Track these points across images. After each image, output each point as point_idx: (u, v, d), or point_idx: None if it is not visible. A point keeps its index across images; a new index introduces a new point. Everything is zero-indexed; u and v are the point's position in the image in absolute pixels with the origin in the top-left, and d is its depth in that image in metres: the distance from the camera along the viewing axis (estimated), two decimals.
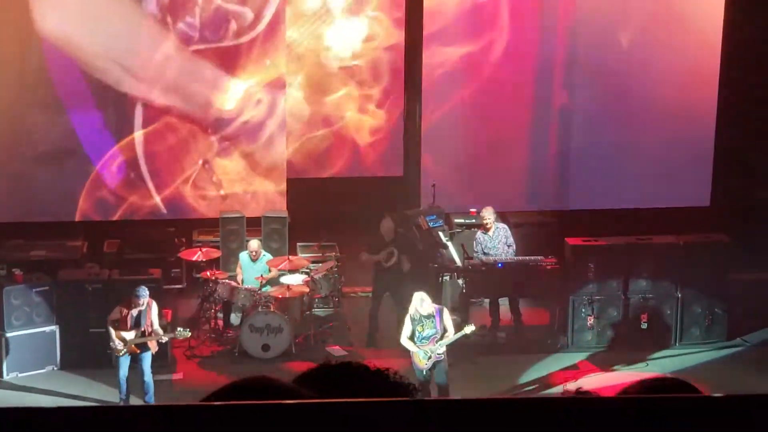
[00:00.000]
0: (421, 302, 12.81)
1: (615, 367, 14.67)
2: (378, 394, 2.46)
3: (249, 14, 17.45)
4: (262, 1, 17.45)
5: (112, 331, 13.21)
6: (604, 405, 2.19)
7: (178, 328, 13.71)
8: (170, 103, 17.48)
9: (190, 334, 13.77)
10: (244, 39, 17.51)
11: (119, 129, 17.50)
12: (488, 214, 15.35)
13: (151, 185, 17.64)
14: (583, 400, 2.18)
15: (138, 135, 17.52)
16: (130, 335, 13.19)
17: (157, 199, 17.63)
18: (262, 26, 17.50)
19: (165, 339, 13.44)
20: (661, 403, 2.20)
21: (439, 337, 12.86)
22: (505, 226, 15.59)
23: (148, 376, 13.30)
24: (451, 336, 12.92)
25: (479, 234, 15.46)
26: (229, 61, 17.54)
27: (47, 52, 17.05)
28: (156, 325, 13.28)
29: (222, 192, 17.90)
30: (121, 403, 13.43)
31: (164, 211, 17.71)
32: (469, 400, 2.17)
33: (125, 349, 13.19)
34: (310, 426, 2.12)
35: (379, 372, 2.56)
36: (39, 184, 17.36)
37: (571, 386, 13.88)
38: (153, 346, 13.34)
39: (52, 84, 17.18)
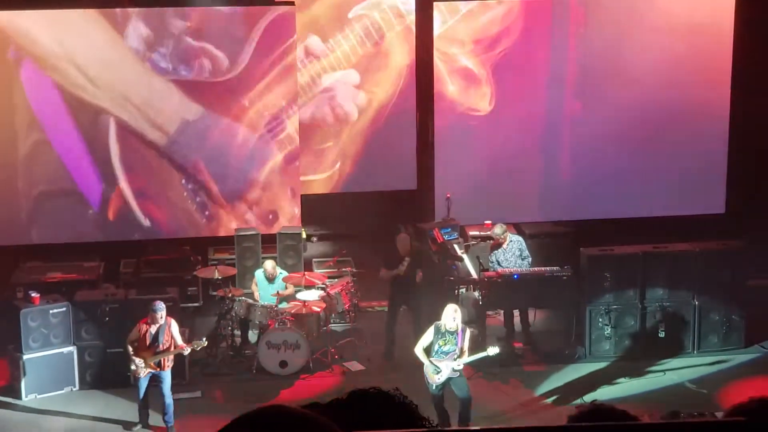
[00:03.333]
0: (453, 316, 12.70)
1: (624, 378, 14.60)
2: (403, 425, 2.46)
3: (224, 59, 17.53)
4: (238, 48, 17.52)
5: (131, 351, 13.21)
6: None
7: (193, 341, 13.70)
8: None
9: (206, 342, 13.74)
10: (223, 78, 17.60)
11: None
12: (498, 231, 15.33)
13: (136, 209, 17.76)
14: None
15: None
16: (147, 356, 13.19)
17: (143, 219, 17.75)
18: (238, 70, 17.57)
19: (187, 352, 13.42)
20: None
21: (457, 355, 12.77)
22: (520, 239, 15.56)
23: (169, 398, 13.30)
24: (467, 357, 12.80)
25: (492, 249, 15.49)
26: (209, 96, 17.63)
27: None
28: (178, 340, 13.27)
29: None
30: (140, 426, 13.48)
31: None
32: (481, 430, 2.17)
33: (146, 369, 13.19)
34: None
35: (404, 404, 2.55)
36: (52, 208, 17.48)
37: (589, 399, 13.86)
38: (170, 362, 13.29)
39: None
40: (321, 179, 18.67)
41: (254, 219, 17.93)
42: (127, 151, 17.57)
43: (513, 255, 15.33)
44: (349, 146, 18.62)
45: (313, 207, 18.26)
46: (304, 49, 18.14)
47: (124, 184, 17.61)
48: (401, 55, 18.38)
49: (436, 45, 17.91)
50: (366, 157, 18.67)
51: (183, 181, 17.81)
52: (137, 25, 17.34)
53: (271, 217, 18.04)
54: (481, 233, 16.80)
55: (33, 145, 17.39)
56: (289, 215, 18.01)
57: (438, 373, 12.73)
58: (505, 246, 15.34)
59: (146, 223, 17.79)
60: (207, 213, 17.94)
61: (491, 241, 15.60)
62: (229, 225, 17.90)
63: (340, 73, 18.37)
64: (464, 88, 18.12)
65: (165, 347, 13.18)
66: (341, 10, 18.26)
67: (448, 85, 18.06)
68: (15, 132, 17.35)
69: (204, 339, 13.71)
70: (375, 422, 2.43)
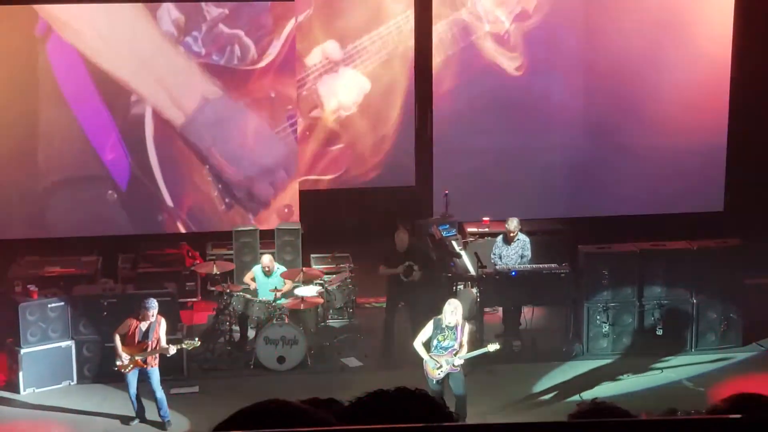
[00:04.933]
0: (452, 311, 12.72)
1: (622, 376, 14.61)
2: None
3: (252, 46, 17.61)
4: (268, 38, 17.57)
5: (119, 345, 13.20)
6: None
7: (186, 340, 13.67)
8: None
9: (198, 343, 13.71)
10: (249, 67, 17.66)
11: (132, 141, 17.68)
12: (512, 225, 15.31)
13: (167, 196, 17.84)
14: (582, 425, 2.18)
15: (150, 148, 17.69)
16: (133, 351, 13.17)
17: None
18: (268, 59, 17.65)
19: (172, 352, 13.36)
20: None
21: (456, 350, 12.79)
22: (526, 239, 15.52)
23: (159, 392, 13.28)
24: (466, 351, 12.83)
25: (500, 240, 15.46)
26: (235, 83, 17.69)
27: (54, 62, 17.23)
28: (163, 341, 13.23)
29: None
30: (137, 421, 13.48)
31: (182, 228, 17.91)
32: (479, 425, 2.17)
33: (130, 364, 13.19)
34: None
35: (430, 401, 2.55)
36: (54, 202, 17.50)
37: (587, 396, 13.86)
38: (156, 360, 13.28)
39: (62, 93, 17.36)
40: (326, 180, 18.69)
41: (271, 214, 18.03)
42: (158, 133, 17.61)
43: (515, 253, 15.34)
44: (354, 146, 18.63)
45: (311, 203, 18.26)
46: (321, 52, 18.24)
47: (154, 162, 17.63)
48: (401, 50, 18.37)
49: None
50: (364, 152, 18.66)
51: (207, 168, 17.86)
52: (169, 7, 17.39)
53: (287, 210, 18.13)
54: (479, 230, 16.81)
55: (56, 122, 17.38)
56: (285, 212, 18.07)
57: (438, 368, 12.76)
58: (512, 244, 15.36)
59: (170, 203, 17.81)
60: (227, 201, 18.00)
61: (506, 235, 15.50)
62: (246, 216, 17.98)
63: (351, 73, 18.40)
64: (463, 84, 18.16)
65: (152, 346, 13.15)
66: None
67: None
68: (36, 111, 17.34)
69: (196, 339, 13.68)
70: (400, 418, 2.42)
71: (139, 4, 17.42)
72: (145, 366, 13.17)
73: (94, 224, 17.77)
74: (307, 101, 18.32)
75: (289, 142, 18.05)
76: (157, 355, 13.25)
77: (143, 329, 13.19)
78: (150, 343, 13.15)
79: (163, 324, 13.27)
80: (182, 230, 17.94)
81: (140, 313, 13.20)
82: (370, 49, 18.31)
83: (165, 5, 17.45)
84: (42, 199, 17.61)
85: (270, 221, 17.90)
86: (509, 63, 18.25)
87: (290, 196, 18.20)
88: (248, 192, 18.13)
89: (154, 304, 13.20)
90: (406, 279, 14.98)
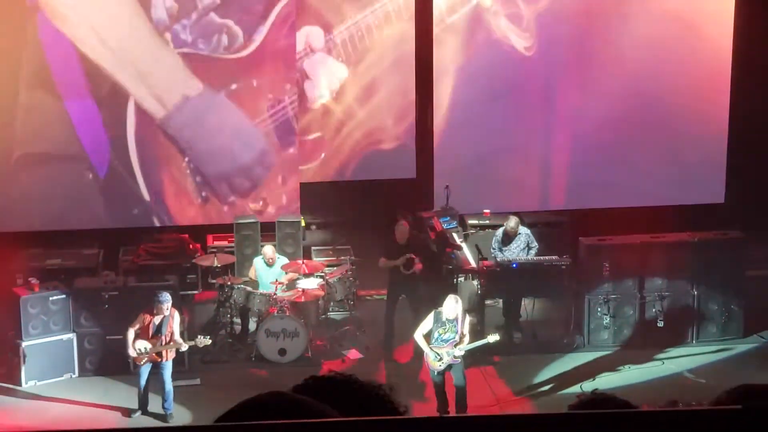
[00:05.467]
0: (453, 307, 12.76)
1: (622, 368, 14.62)
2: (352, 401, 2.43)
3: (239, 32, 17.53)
4: (254, 23, 17.50)
5: (131, 339, 13.22)
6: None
7: (199, 336, 13.71)
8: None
9: (210, 341, 13.76)
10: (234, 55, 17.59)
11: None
12: (512, 224, 15.28)
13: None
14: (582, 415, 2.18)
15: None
16: (149, 344, 13.21)
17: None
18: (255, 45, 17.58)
19: (185, 348, 13.44)
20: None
21: (457, 341, 12.83)
22: (528, 232, 15.52)
23: (169, 385, 13.34)
24: (467, 341, 12.87)
25: (500, 234, 15.43)
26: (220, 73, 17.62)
27: (46, 46, 17.14)
28: (177, 335, 13.29)
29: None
30: (140, 413, 13.51)
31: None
32: (480, 417, 2.17)
33: (146, 358, 13.22)
34: None
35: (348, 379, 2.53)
36: (51, 191, 17.46)
37: (588, 388, 13.88)
38: (172, 353, 13.36)
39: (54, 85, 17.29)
40: (310, 168, 18.62)
41: (250, 207, 17.97)
42: (140, 124, 17.57)
43: (518, 248, 15.33)
44: (335, 136, 18.55)
45: (312, 195, 18.25)
46: (305, 37, 18.13)
47: (133, 155, 17.60)
48: (401, 41, 18.35)
49: None
50: (365, 145, 18.64)
51: (186, 160, 17.82)
52: None
53: (261, 204, 18.05)
54: (480, 222, 16.81)
55: (38, 102, 17.27)
56: (279, 204, 18.01)
57: (438, 360, 12.80)
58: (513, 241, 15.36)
59: (147, 197, 17.77)
60: (204, 194, 17.95)
61: (507, 232, 15.48)
62: (221, 210, 17.95)
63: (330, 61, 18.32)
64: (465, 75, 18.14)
65: (166, 340, 13.20)
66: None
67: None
68: (17, 86, 17.23)
69: (207, 337, 13.70)
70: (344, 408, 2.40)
71: None
72: (159, 360, 13.21)
73: (69, 211, 17.60)
74: (298, 88, 18.21)
75: (268, 133, 17.94)
76: (173, 349, 13.29)
77: (156, 323, 13.23)
78: (164, 337, 13.19)
79: (176, 317, 13.31)
80: (157, 224, 17.85)
81: (154, 307, 13.23)
82: (365, 34, 18.25)
83: None
84: (13, 171, 17.49)
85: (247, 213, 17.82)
86: (520, 42, 18.14)
87: (269, 190, 18.09)
88: (227, 185, 17.99)
89: (167, 298, 13.24)
90: (407, 272, 14.99)
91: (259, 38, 17.56)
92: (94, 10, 17.23)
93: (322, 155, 18.50)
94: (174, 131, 17.70)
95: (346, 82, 18.30)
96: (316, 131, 18.42)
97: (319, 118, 18.38)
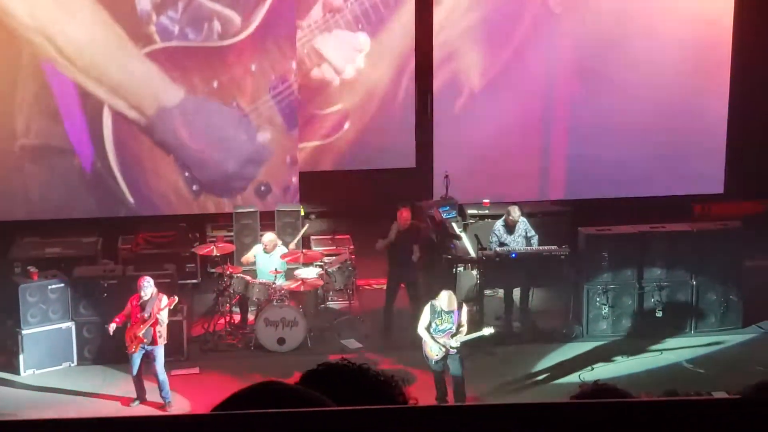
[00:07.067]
0: (447, 302, 12.80)
1: (621, 357, 14.62)
2: (374, 396, 2.44)
3: (236, 17, 17.42)
4: (253, 4, 17.41)
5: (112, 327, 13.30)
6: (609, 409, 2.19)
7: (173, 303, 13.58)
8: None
9: (176, 299, 13.62)
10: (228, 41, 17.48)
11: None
12: (516, 215, 15.26)
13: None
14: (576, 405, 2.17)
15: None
16: (135, 328, 13.23)
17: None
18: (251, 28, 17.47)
19: (163, 318, 13.29)
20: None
21: (454, 332, 12.87)
22: (524, 219, 15.53)
23: (162, 374, 13.32)
24: (465, 333, 12.90)
25: (499, 227, 15.40)
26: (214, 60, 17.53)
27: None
28: (163, 316, 13.23)
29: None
30: (138, 402, 13.52)
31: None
32: (480, 405, 2.16)
33: (133, 344, 13.23)
34: None
35: (363, 369, 2.54)
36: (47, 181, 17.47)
37: (589, 378, 13.89)
38: (161, 339, 13.29)
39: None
40: (323, 145, 18.56)
41: (250, 194, 17.95)
42: (118, 124, 17.49)
43: (520, 236, 15.33)
44: (353, 110, 18.49)
45: (311, 184, 18.25)
46: (322, 5, 18.05)
47: (113, 158, 17.53)
48: (401, 32, 18.33)
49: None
50: (365, 134, 18.64)
51: (172, 157, 17.74)
52: None
53: (263, 189, 18.03)
54: (480, 212, 16.80)
55: (35, 93, 17.25)
56: (284, 186, 17.99)
57: (438, 349, 12.84)
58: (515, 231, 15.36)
59: (131, 200, 17.74)
60: (195, 188, 17.90)
61: (508, 223, 15.45)
62: (220, 201, 17.93)
63: (345, 34, 18.25)
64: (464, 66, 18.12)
65: (150, 322, 13.20)
66: None
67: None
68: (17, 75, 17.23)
69: (175, 296, 13.59)
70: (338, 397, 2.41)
71: None
72: (143, 342, 13.17)
73: (61, 202, 17.57)
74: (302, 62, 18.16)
75: (272, 116, 17.80)
76: (163, 334, 13.27)
77: (142, 307, 13.23)
78: (148, 318, 13.18)
79: (164, 300, 13.28)
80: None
81: (137, 294, 13.27)
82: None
83: None
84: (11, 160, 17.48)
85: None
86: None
87: (272, 174, 18.06)
88: (217, 181, 17.98)
89: (146, 283, 13.25)
90: (395, 241, 14.91)
91: (256, 20, 17.42)
92: (59, 21, 17.07)
93: (346, 126, 18.41)
94: (161, 130, 17.58)
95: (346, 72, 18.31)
96: (334, 104, 18.37)
97: (334, 92, 18.35)
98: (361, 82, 18.45)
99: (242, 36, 17.50)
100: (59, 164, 17.51)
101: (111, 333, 13.42)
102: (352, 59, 18.32)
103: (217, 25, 17.42)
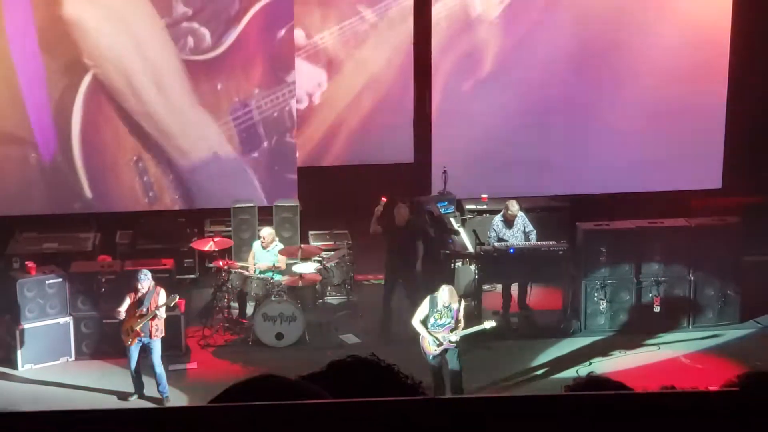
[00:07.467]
0: (447, 297, 12.80)
1: (618, 352, 14.63)
2: (389, 391, 2.46)
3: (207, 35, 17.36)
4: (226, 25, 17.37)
5: (121, 318, 13.28)
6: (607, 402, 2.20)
7: (170, 296, 13.59)
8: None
9: (177, 297, 13.65)
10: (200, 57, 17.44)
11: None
12: (516, 209, 15.25)
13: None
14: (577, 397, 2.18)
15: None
16: (132, 321, 13.24)
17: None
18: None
19: (161, 312, 13.30)
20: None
21: (452, 327, 12.87)
22: (522, 214, 15.53)
23: (159, 368, 13.33)
24: (462, 327, 12.91)
25: (498, 222, 15.39)
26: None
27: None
28: (161, 311, 13.23)
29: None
30: (136, 397, 13.53)
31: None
32: (476, 398, 2.17)
33: (130, 338, 13.23)
34: (318, 426, 2.12)
35: (390, 368, 2.57)
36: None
37: (584, 372, 13.90)
38: (159, 332, 13.28)
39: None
40: (321, 141, 18.53)
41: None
42: (90, 115, 17.36)
43: (519, 231, 15.33)
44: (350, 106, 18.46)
45: (309, 180, 18.23)
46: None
47: (77, 147, 17.43)
48: (399, 27, 18.32)
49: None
50: (362, 130, 18.63)
51: (135, 158, 17.64)
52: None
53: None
54: (478, 207, 16.81)
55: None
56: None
57: (438, 345, 12.84)
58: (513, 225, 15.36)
59: (89, 195, 17.68)
60: (151, 194, 17.81)
61: (506, 217, 15.44)
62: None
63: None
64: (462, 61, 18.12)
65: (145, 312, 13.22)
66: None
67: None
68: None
69: (176, 295, 13.61)
70: (358, 391, 2.43)
71: None
72: (141, 335, 13.17)
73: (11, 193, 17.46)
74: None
75: (230, 138, 17.79)
76: (160, 327, 13.26)
77: (140, 300, 13.24)
78: (146, 310, 13.18)
79: (162, 294, 13.29)
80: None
81: (134, 288, 13.28)
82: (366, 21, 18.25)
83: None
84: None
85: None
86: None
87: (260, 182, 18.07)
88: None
89: (144, 277, 13.26)
90: (380, 215, 14.95)
91: (229, 39, 17.33)
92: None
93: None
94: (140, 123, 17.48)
95: (344, 68, 18.29)
96: (316, 118, 18.39)
97: (317, 107, 18.36)
98: (359, 77, 18.43)
99: (212, 54, 17.40)
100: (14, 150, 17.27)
101: (122, 316, 13.34)
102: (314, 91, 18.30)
103: (190, 41, 17.30)
